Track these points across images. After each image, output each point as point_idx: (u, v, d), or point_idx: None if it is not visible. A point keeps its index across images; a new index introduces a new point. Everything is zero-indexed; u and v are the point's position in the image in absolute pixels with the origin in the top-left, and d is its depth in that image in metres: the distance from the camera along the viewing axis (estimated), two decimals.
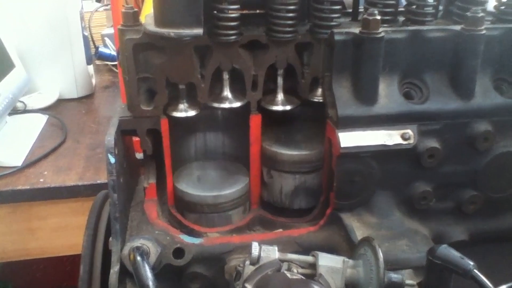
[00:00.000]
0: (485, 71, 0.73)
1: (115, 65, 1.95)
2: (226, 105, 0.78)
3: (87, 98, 1.78)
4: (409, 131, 0.71)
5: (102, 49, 1.94)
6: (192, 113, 0.78)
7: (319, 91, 0.79)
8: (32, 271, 1.80)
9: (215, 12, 0.71)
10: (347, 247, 0.71)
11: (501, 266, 0.73)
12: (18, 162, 1.31)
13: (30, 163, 1.32)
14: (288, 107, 0.79)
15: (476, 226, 0.77)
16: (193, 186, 0.83)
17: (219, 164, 0.90)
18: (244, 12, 0.75)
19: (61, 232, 1.32)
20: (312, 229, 0.77)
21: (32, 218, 1.30)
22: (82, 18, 1.70)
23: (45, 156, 1.36)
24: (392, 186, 0.75)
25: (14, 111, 1.55)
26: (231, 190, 0.82)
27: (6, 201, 1.24)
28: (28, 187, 1.24)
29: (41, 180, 1.26)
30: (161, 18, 0.68)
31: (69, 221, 1.31)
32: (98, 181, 1.26)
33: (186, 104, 0.78)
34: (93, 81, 1.83)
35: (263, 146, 0.83)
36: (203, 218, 0.83)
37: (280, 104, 0.79)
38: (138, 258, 0.63)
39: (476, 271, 0.55)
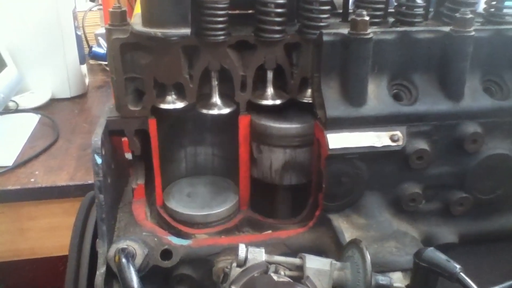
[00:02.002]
0: (474, 72, 0.73)
1: None
2: (215, 111, 0.77)
3: (80, 97, 1.77)
4: (398, 133, 0.71)
5: (95, 48, 1.93)
6: (180, 105, 0.77)
7: (308, 92, 0.78)
8: (24, 272, 1.79)
9: (203, 11, 0.71)
10: (336, 248, 0.70)
11: (489, 267, 0.73)
12: (9, 162, 1.30)
13: (21, 163, 1.31)
14: (278, 101, 0.78)
15: (465, 227, 0.77)
16: (183, 204, 0.84)
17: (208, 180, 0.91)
18: (233, 12, 0.74)
19: (52, 233, 1.31)
20: (301, 230, 0.76)
21: (22, 219, 1.29)
22: (75, 18, 1.69)
23: (37, 156, 1.35)
24: (381, 188, 0.74)
25: (6, 111, 1.54)
26: (221, 209, 0.83)
27: None
28: (19, 187, 1.23)
29: (32, 180, 1.25)
30: (148, 17, 0.68)
31: (60, 221, 1.30)
32: (89, 181, 1.25)
33: (174, 96, 0.77)
34: (86, 80, 1.83)
35: (252, 119, 0.80)
36: None
37: (270, 99, 0.78)
38: (123, 260, 0.62)
39: (462, 274, 0.54)
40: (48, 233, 1.31)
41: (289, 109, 0.83)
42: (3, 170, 1.27)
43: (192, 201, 0.86)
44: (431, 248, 0.58)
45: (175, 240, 0.74)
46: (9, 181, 1.24)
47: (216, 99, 0.78)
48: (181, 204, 0.84)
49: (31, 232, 1.31)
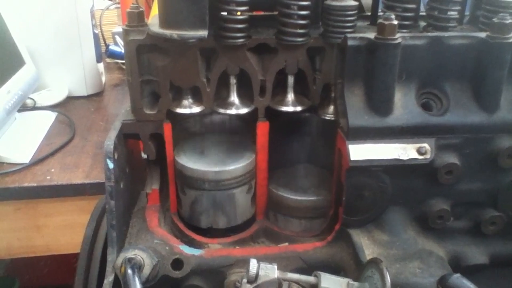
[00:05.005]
0: (511, 82, 0.67)
1: None
2: (232, 111, 0.74)
3: (97, 96, 1.76)
4: (426, 145, 0.66)
5: (112, 47, 1.93)
6: (196, 109, 0.74)
7: (331, 108, 0.74)
8: (39, 268, 1.81)
9: (221, 13, 0.67)
10: (355, 266, 0.67)
11: None
12: (26, 159, 1.30)
13: (38, 160, 1.31)
14: (298, 108, 0.75)
15: (496, 248, 0.72)
16: (195, 160, 0.77)
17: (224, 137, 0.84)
18: (253, 14, 0.71)
19: (67, 230, 1.31)
20: (318, 244, 0.73)
21: (38, 215, 1.30)
22: (92, 16, 1.68)
23: (53, 153, 1.35)
24: (405, 203, 0.70)
25: (24, 108, 1.55)
26: (235, 166, 0.76)
27: (12, 197, 1.23)
28: (35, 184, 1.23)
29: (48, 177, 1.25)
30: (165, 19, 0.65)
31: (75, 219, 1.29)
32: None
33: (190, 100, 0.74)
34: (103, 79, 1.82)
35: (270, 189, 0.81)
36: (204, 195, 0.78)
37: (291, 105, 0.75)
38: (129, 271, 0.60)
39: None
40: (63, 230, 1.31)
41: (308, 173, 0.85)
42: (20, 167, 1.27)
43: (205, 158, 0.79)
44: (457, 275, 0.54)
45: (187, 250, 0.71)
46: (26, 178, 1.24)
47: (234, 98, 0.74)
48: (192, 160, 0.77)
49: (47, 229, 1.32)
